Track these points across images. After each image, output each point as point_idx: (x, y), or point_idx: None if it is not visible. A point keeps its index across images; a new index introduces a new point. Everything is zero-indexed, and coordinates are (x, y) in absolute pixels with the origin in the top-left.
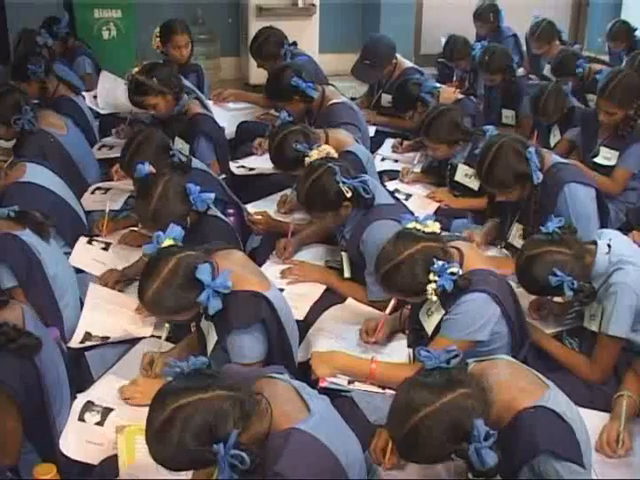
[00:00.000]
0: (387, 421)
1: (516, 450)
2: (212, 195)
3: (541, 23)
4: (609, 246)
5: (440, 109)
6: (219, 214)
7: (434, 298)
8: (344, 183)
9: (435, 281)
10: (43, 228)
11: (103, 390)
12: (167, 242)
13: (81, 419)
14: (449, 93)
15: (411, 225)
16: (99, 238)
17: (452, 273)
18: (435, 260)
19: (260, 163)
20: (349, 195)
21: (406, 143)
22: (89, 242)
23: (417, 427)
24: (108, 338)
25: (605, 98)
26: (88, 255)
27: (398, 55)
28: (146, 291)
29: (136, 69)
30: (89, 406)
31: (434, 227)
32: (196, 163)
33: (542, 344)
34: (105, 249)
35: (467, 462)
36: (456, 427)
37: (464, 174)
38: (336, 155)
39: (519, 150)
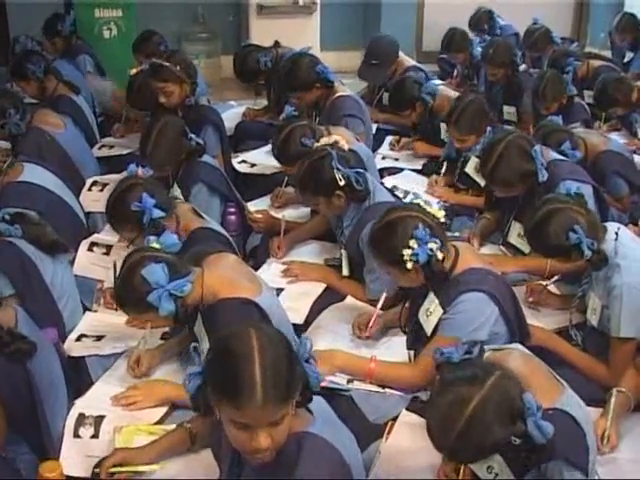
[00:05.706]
0: (431, 434)
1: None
2: (162, 214)
3: (536, 31)
4: (617, 234)
5: (467, 100)
6: (214, 226)
7: (409, 265)
8: (339, 170)
9: (413, 248)
10: (55, 249)
11: (93, 398)
12: (153, 244)
13: (76, 435)
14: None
15: (415, 201)
16: (99, 242)
17: (431, 249)
18: (421, 226)
19: (262, 159)
20: (342, 184)
21: (404, 140)
22: (89, 249)
23: (470, 425)
24: (103, 337)
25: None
26: (90, 262)
27: (400, 53)
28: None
29: (134, 69)
30: (81, 420)
31: (438, 213)
32: (206, 157)
33: (552, 346)
34: (107, 254)
35: (525, 440)
36: (507, 409)
37: (475, 167)
38: (345, 145)
39: (525, 148)
